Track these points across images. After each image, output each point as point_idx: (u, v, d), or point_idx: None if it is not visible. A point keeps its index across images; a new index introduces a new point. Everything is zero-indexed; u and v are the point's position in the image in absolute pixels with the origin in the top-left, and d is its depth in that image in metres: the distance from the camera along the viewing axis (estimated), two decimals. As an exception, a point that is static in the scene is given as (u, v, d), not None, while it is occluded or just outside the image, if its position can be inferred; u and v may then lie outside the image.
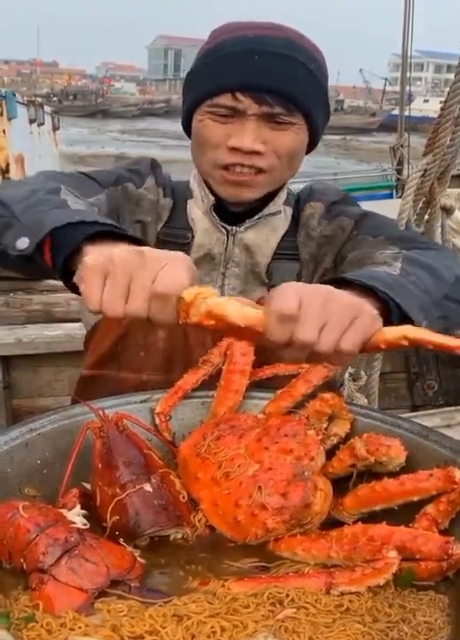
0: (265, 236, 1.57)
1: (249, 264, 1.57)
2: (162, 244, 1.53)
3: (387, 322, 1.12)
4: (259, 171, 1.43)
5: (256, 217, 1.55)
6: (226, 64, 1.40)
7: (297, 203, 1.63)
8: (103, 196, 1.50)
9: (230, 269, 1.57)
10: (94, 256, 1.09)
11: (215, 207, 1.54)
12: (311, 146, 1.52)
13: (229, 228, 1.55)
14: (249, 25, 1.44)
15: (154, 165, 1.66)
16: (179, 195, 1.62)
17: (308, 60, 1.41)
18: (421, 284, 1.21)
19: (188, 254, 1.44)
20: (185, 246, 1.54)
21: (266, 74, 1.37)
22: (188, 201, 1.60)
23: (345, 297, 1.06)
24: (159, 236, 1.58)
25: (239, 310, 1.04)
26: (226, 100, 1.39)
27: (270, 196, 1.54)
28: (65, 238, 1.14)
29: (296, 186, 1.83)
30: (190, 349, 1.49)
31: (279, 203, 1.57)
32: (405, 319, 1.12)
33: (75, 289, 1.15)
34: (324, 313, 1.03)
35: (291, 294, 1.03)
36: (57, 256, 1.16)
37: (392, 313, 1.12)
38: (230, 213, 1.55)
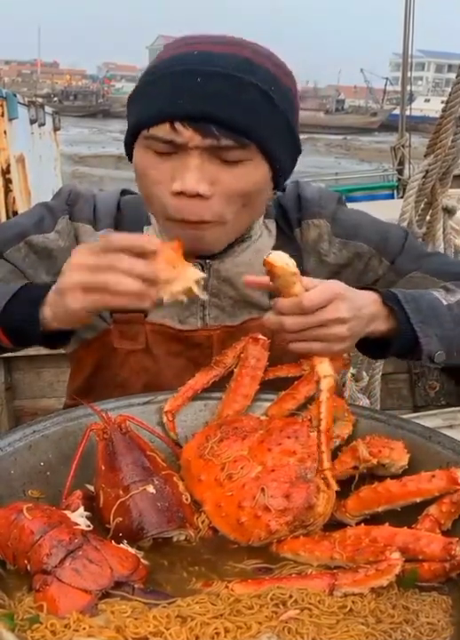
0: (247, 261, 1.38)
1: (233, 295, 1.39)
2: None
3: (399, 339, 1.17)
4: (204, 222, 1.21)
5: (228, 247, 1.35)
6: (162, 87, 1.17)
7: (283, 214, 1.44)
8: None
9: (209, 300, 1.38)
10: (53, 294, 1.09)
11: None
12: (276, 184, 1.29)
13: (203, 261, 1.36)
14: (201, 39, 1.22)
15: (72, 199, 1.43)
16: (128, 219, 1.43)
17: (266, 82, 1.18)
18: None
19: None
20: None
21: (211, 99, 1.14)
22: (145, 228, 1.41)
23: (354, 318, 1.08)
24: None
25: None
26: (163, 131, 1.16)
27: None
28: (18, 317, 1.14)
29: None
30: (166, 385, 1.35)
31: (255, 227, 1.39)
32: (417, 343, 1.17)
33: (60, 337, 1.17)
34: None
35: (328, 294, 1.05)
36: (21, 335, 1.16)
37: (402, 332, 1.16)
38: None
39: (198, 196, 1.17)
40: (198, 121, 1.14)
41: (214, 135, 1.14)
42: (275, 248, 1.36)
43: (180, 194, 1.18)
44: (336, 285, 1.08)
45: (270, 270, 1.01)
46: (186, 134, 1.15)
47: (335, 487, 1.06)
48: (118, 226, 1.41)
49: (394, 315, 1.16)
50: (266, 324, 1.09)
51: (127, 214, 1.44)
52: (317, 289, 1.05)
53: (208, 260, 1.36)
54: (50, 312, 1.12)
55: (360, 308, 1.10)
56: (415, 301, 1.18)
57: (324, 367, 1.07)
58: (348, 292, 1.08)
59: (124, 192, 1.50)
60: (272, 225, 1.44)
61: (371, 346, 1.20)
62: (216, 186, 1.19)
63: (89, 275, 1.03)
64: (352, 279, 1.42)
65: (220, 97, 1.14)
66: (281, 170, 1.26)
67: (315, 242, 1.43)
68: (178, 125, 1.15)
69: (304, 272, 1.38)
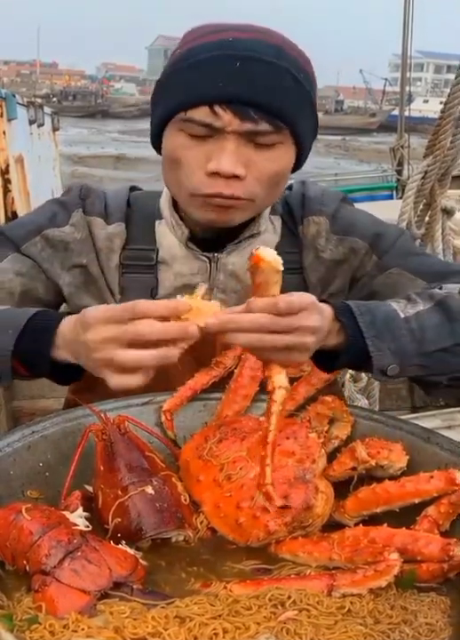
0: None
1: (239, 289, 1.42)
2: (124, 268, 1.42)
3: (348, 353, 1.13)
4: (239, 199, 1.25)
5: (237, 240, 1.40)
6: (201, 72, 1.19)
7: (289, 211, 1.47)
8: (7, 264, 1.37)
9: (216, 296, 1.40)
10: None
11: (190, 237, 1.40)
12: (297, 165, 1.33)
13: (210, 255, 1.40)
14: (229, 27, 1.24)
15: (84, 194, 1.45)
16: (139, 214, 1.46)
17: (297, 69, 1.22)
18: (419, 332, 1.16)
19: (156, 275, 1.40)
20: (152, 268, 1.41)
21: (250, 84, 1.16)
22: (156, 222, 1.44)
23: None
24: (122, 260, 1.43)
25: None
26: (202, 114, 1.18)
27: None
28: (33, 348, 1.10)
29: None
30: (171, 381, 1.32)
31: (262, 222, 1.41)
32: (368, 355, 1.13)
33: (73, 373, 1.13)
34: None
35: (306, 301, 1.01)
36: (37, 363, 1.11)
37: (352, 346, 1.12)
38: (209, 239, 1.40)
39: (234, 177, 1.20)
40: (238, 104, 1.16)
41: (253, 119, 1.17)
42: (280, 244, 1.43)
43: (215, 174, 1.20)
44: (308, 295, 1.04)
45: (255, 264, 0.96)
46: (226, 118, 1.17)
47: (278, 503, 0.99)
48: (128, 221, 1.44)
49: (345, 330, 1.12)
50: (213, 327, 0.98)
51: (137, 209, 1.46)
52: (296, 294, 1.01)
53: (215, 254, 1.39)
54: (67, 354, 1.09)
55: (324, 320, 1.06)
56: (370, 313, 1.14)
57: (281, 378, 1.01)
58: (317, 303, 1.05)
59: (133, 188, 1.53)
60: (277, 221, 1.46)
61: (322, 358, 1.16)
62: (250, 168, 1.22)
63: (115, 331, 0.99)
64: (348, 276, 1.45)
65: (260, 81, 1.17)
66: (303, 152, 1.30)
67: (314, 237, 1.44)
68: (217, 109, 1.17)
69: (302, 267, 1.42)
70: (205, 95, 1.18)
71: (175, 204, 1.41)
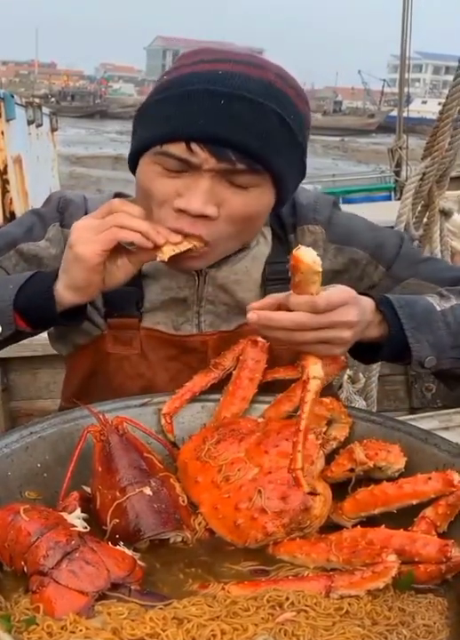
0: (244, 268, 1.38)
1: (229, 302, 1.39)
2: None
3: (390, 345, 1.18)
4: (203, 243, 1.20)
5: (227, 256, 1.35)
6: (184, 106, 1.14)
7: (278, 219, 1.42)
8: None
9: (205, 307, 1.38)
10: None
11: None
12: (277, 205, 1.28)
13: (198, 269, 1.35)
14: (224, 57, 1.19)
15: (62, 206, 1.42)
16: None
17: (286, 109, 1.17)
18: (455, 326, 1.20)
19: (139, 285, 1.37)
20: (136, 279, 1.32)
21: (232, 124, 1.12)
22: None
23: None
24: None
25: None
26: (178, 149, 1.14)
27: None
28: (35, 299, 1.21)
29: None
30: (161, 389, 1.35)
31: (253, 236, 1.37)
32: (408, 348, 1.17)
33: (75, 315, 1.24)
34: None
35: (344, 296, 1.06)
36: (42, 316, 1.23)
37: (393, 338, 1.16)
38: None
39: (202, 216, 1.16)
40: (215, 144, 1.12)
41: (230, 160, 1.13)
42: (270, 254, 1.40)
43: (182, 211, 1.17)
44: (348, 290, 1.08)
45: (295, 265, 0.99)
46: (202, 156, 1.13)
47: (306, 489, 1.04)
48: None
49: (386, 321, 1.16)
50: (256, 320, 1.05)
51: None
52: (334, 290, 1.05)
53: (203, 269, 1.35)
54: (63, 282, 1.19)
55: (364, 313, 1.10)
56: (409, 306, 1.18)
57: (316, 368, 1.06)
58: (357, 297, 1.09)
59: (118, 195, 1.48)
60: (268, 232, 1.43)
61: (361, 350, 1.20)
62: (223, 207, 1.18)
63: (97, 223, 1.15)
64: (348, 286, 1.44)
65: (241, 122, 1.13)
66: (286, 193, 1.26)
67: (311, 247, 1.42)
68: (194, 146, 1.13)
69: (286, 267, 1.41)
70: (183, 131, 1.14)
71: None
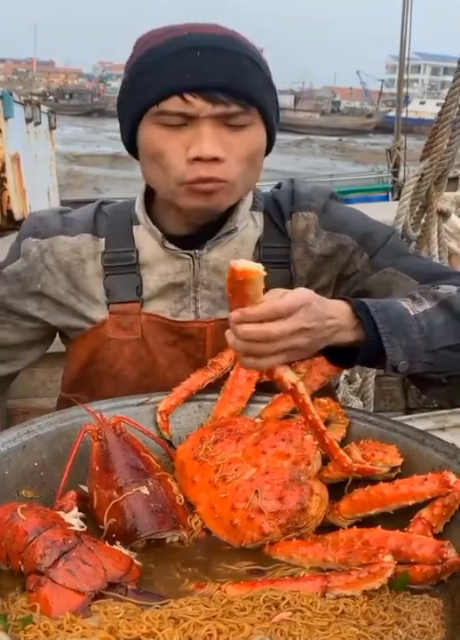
0: (233, 250, 1.43)
1: (223, 286, 1.38)
2: (107, 270, 1.44)
3: (365, 349, 1.16)
4: (220, 181, 1.27)
5: (216, 237, 1.41)
6: (167, 66, 1.24)
7: (277, 207, 1.48)
8: None
9: (200, 292, 1.43)
10: None
11: (168, 237, 1.41)
12: (269, 146, 1.37)
13: (191, 252, 1.41)
14: (180, 26, 1.29)
15: (35, 222, 1.49)
16: (113, 222, 1.48)
17: (254, 53, 1.29)
18: (427, 330, 1.20)
19: (138, 273, 1.42)
20: (133, 268, 1.42)
21: (214, 70, 1.23)
22: (134, 227, 1.45)
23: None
24: (103, 263, 1.44)
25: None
26: (174, 104, 1.23)
27: (228, 211, 1.39)
28: None
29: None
30: (160, 375, 1.41)
31: (239, 218, 1.42)
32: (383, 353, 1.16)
33: None
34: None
35: (303, 298, 1.05)
36: None
37: (369, 342, 1.15)
38: (187, 237, 1.41)
39: (214, 160, 1.24)
40: (206, 90, 1.22)
41: (224, 102, 1.23)
42: (263, 238, 1.45)
43: (196, 160, 1.24)
44: (306, 292, 1.07)
45: (243, 279, 0.95)
46: (198, 104, 1.22)
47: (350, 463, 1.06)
48: (102, 230, 1.46)
49: (362, 325, 1.15)
50: (232, 338, 1.07)
51: (111, 218, 1.48)
52: (290, 293, 1.04)
53: (196, 251, 1.40)
54: None
55: (324, 317, 1.08)
56: (384, 311, 1.17)
57: (290, 374, 1.04)
58: (315, 300, 1.07)
59: (104, 203, 1.54)
60: (258, 217, 1.47)
61: (337, 354, 1.19)
62: (228, 151, 1.26)
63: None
64: (335, 272, 1.46)
65: (223, 67, 1.23)
66: (272, 130, 1.35)
67: (303, 232, 1.45)
68: (188, 96, 1.22)
69: (291, 261, 1.45)
70: (174, 86, 1.23)
71: (148, 210, 1.44)
